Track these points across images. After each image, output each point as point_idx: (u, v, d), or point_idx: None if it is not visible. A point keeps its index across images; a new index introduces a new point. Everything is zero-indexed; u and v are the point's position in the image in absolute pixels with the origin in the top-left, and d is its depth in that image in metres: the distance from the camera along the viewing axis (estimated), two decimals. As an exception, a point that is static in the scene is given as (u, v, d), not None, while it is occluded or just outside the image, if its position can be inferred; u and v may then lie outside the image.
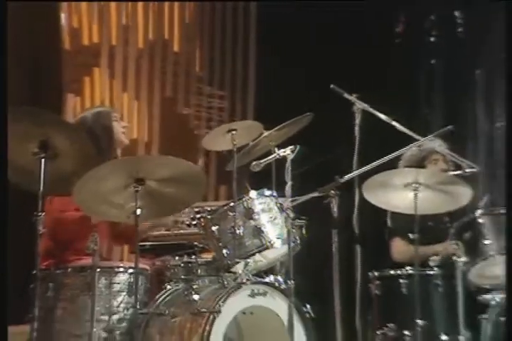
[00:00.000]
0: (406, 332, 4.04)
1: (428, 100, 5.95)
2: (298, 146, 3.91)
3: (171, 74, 6.06)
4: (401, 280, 4.14)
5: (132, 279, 3.62)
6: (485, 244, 4.08)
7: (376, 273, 4.24)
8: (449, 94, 5.92)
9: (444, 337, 4.04)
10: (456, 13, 5.90)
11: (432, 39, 5.94)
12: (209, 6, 6.37)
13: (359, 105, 4.30)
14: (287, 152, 3.88)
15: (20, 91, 5.30)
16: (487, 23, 5.72)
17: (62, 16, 5.77)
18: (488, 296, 4.13)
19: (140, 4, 6.07)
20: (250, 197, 3.80)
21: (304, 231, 3.83)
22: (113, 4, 5.99)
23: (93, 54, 5.87)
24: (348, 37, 5.91)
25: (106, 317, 3.55)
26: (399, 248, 4.49)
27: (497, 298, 4.06)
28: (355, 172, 4.10)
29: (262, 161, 3.98)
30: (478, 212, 4.15)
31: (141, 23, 6.00)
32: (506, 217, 2.67)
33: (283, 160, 3.88)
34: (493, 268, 4.10)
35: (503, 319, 3.95)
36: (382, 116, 4.31)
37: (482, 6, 5.72)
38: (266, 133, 4.02)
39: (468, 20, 5.87)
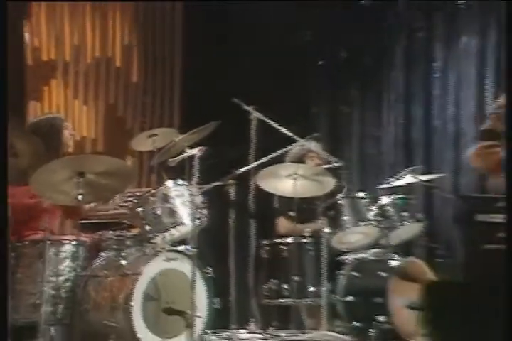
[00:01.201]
0: (285, 286, 4.17)
1: (310, 109, 5.95)
2: (205, 147, 4.00)
3: (113, 85, 6.01)
4: (283, 247, 4.27)
5: (75, 249, 3.69)
6: (343, 219, 4.24)
7: (265, 241, 4.36)
8: (327, 108, 5.96)
9: (311, 288, 4.16)
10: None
11: (320, 62, 5.88)
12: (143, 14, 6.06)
13: (255, 114, 4.45)
14: (196, 151, 3.95)
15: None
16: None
17: (26, 36, 5.74)
18: (344, 257, 4.33)
19: (88, 28, 6.04)
20: (167, 186, 3.88)
21: (206, 211, 3.92)
22: (67, 27, 5.97)
23: (51, 68, 5.83)
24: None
25: (54, 279, 3.61)
26: (283, 224, 4.60)
27: (350, 258, 4.28)
28: (248, 166, 4.27)
29: (176, 158, 4.05)
30: (340, 195, 4.30)
31: (89, 43, 5.97)
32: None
33: (193, 157, 3.93)
34: (349, 237, 4.34)
35: (354, 273, 4.17)
36: (273, 123, 4.44)
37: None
38: (180, 137, 4.08)
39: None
